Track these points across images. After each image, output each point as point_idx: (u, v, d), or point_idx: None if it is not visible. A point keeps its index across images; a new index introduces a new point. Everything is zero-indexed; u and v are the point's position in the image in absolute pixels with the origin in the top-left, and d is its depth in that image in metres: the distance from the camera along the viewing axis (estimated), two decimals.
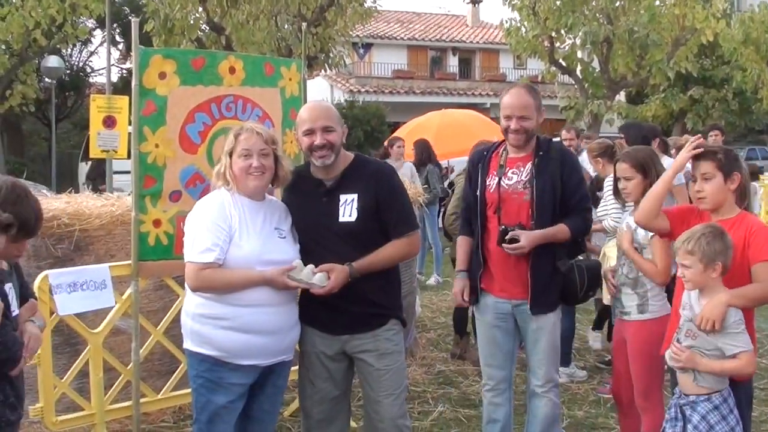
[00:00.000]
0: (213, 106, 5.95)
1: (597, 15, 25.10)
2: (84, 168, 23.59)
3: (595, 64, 26.38)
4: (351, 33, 26.72)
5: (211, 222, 4.66)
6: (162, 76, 5.73)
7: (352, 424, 6.25)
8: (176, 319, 5.66)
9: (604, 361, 8.75)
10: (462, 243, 5.85)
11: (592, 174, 8.77)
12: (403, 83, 44.88)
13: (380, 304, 4.99)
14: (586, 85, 26.26)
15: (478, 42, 49.80)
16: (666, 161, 7.04)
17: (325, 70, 29.71)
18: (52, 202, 6.99)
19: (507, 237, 5.29)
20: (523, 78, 41.51)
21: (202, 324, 4.70)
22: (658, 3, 24.88)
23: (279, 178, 4.92)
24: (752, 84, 29.27)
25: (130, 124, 5.92)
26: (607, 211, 7.40)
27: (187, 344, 4.81)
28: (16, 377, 4.02)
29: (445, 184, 14.85)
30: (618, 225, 6.80)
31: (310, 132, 4.91)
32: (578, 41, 25.37)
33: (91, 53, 43.65)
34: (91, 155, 13.84)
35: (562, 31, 25.34)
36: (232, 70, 6.05)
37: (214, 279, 4.63)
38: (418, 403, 7.50)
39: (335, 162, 4.94)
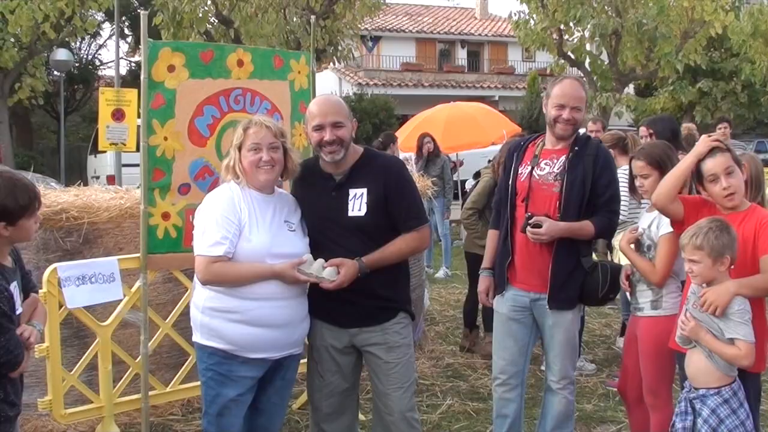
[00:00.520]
0: (222, 99, 5.95)
1: (606, 7, 25.03)
2: (93, 161, 23.63)
3: (604, 56, 26.34)
4: (360, 26, 26.75)
5: (221, 215, 4.64)
6: (171, 69, 5.73)
7: (361, 417, 6.25)
8: (185, 312, 5.67)
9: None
10: (491, 237, 5.84)
11: None
12: (411, 76, 44.85)
13: (389, 298, 4.98)
14: (595, 78, 26.22)
15: (486, 35, 49.72)
16: None
17: (334, 63, 29.76)
18: (60, 195, 7.00)
19: (530, 222, 5.27)
20: (531, 71, 41.44)
21: (212, 317, 4.70)
22: None
23: (288, 170, 4.92)
24: (761, 76, 29.12)
25: (139, 116, 5.91)
26: None
27: (197, 337, 4.81)
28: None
29: (454, 177, 14.84)
30: (626, 218, 6.80)
31: (319, 127, 4.89)
32: (587, 34, 25.32)
33: (100, 46, 43.70)
34: (100, 148, 13.87)
35: (571, 24, 25.28)
36: (240, 63, 6.04)
37: (224, 272, 4.62)
38: (427, 396, 7.49)
39: (345, 157, 4.93)
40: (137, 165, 5.95)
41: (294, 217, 4.94)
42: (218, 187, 4.92)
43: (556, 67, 27.01)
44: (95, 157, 22.98)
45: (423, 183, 9.32)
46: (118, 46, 23.11)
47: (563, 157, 5.46)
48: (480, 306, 8.41)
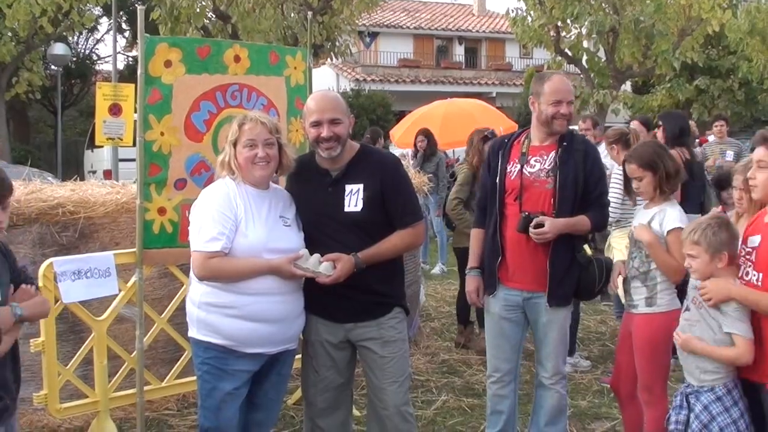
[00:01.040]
0: (218, 94, 5.96)
1: (603, 5, 24.98)
2: (90, 156, 23.62)
3: (601, 53, 26.30)
4: (357, 22, 26.69)
5: (217, 211, 4.67)
6: (167, 64, 5.74)
7: (355, 412, 6.27)
8: (180, 307, 5.68)
9: None
10: (476, 236, 5.84)
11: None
12: (409, 72, 44.84)
13: (384, 293, 5.01)
14: (592, 75, 26.19)
15: (484, 31, 49.68)
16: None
17: (331, 59, 29.72)
18: (57, 190, 7.01)
19: (532, 223, 5.27)
20: (529, 68, 41.43)
21: (209, 312, 4.73)
22: None
23: (283, 166, 4.95)
24: (758, 74, 29.13)
25: (136, 111, 5.91)
26: None
27: (193, 332, 4.84)
28: (3, 367, 4.01)
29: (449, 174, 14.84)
30: (615, 216, 6.80)
31: (317, 123, 4.90)
32: (584, 31, 25.26)
33: (98, 41, 43.58)
34: (97, 143, 13.86)
35: (568, 21, 25.22)
36: (237, 59, 6.05)
37: (221, 268, 4.65)
38: (422, 392, 7.51)
39: (341, 153, 4.95)
40: (134, 160, 5.95)
41: (289, 213, 4.96)
42: (213, 183, 4.95)
43: (554, 64, 26.95)
44: (92, 151, 23.00)
45: (419, 179, 9.34)
46: (115, 41, 23.17)
47: (552, 153, 5.48)
48: None
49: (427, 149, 14.19)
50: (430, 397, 7.42)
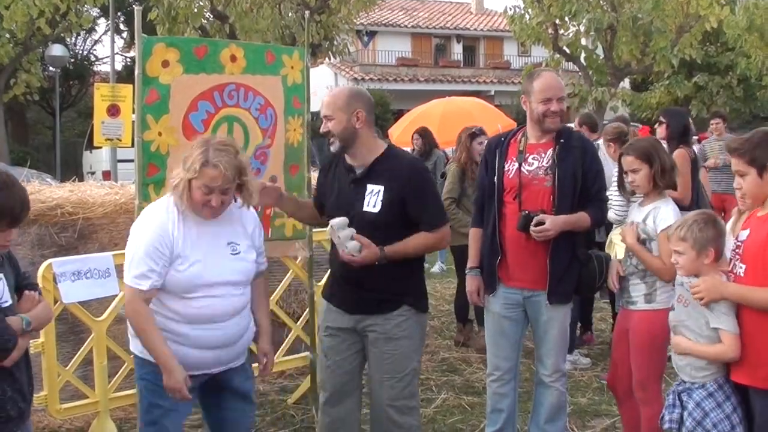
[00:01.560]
0: (216, 94, 5.96)
1: (601, 2, 24.98)
2: (88, 157, 23.61)
3: (599, 51, 26.31)
4: (355, 21, 26.75)
5: (151, 245, 4.47)
6: (165, 64, 5.74)
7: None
8: None
9: None
10: (474, 236, 5.81)
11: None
12: (407, 71, 44.85)
13: (393, 291, 5.01)
14: (591, 72, 26.22)
15: (482, 29, 49.68)
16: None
17: (330, 58, 29.73)
18: (55, 191, 7.03)
19: (533, 221, 5.26)
20: (527, 65, 41.40)
21: None
22: None
23: (244, 198, 4.69)
24: (756, 71, 29.20)
25: (134, 112, 5.92)
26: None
27: (133, 346, 4.72)
28: (19, 371, 4.00)
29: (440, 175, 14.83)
30: (619, 218, 6.79)
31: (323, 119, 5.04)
32: (582, 28, 25.29)
33: (95, 42, 43.57)
34: (96, 144, 13.88)
35: (566, 18, 25.25)
36: (233, 59, 6.05)
37: (138, 320, 4.48)
38: (422, 391, 7.49)
39: (354, 149, 5.02)
40: (133, 161, 5.96)
41: (242, 238, 4.76)
42: (155, 205, 4.72)
43: (552, 62, 26.96)
44: (90, 152, 22.96)
45: None
46: (113, 42, 23.17)
47: (550, 151, 5.46)
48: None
49: (424, 147, 14.18)
50: (430, 396, 7.42)
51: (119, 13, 36.38)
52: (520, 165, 5.50)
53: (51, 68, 30.44)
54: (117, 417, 6.54)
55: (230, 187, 4.53)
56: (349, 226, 4.81)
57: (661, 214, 5.30)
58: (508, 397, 5.71)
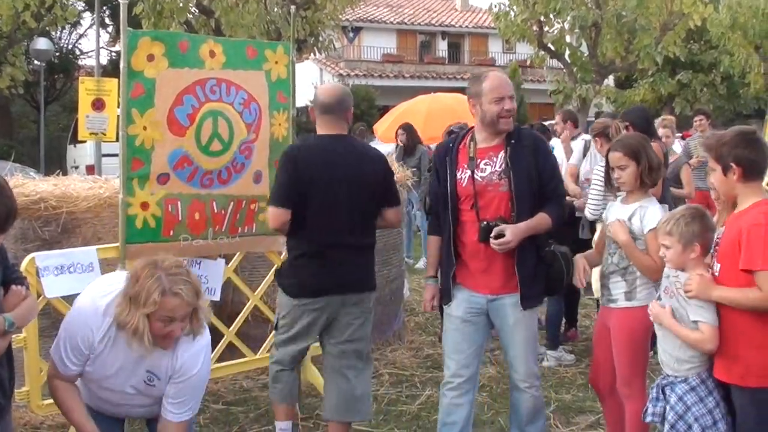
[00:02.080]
0: (198, 88, 5.97)
1: (585, 0, 25.09)
2: (73, 151, 23.53)
3: (584, 48, 26.37)
4: (340, 16, 26.68)
5: (77, 344, 4.41)
6: (150, 58, 5.73)
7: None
8: None
9: None
10: (432, 244, 5.69)
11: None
12: (392, 67, 44.86)
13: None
14: (575, 70, 26.23)
15: (467, 26, 49.72)
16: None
17: (315, 54, 29.70)
18: (39, 185, 6.99)
19: (492, 234, 5.12)
20: (512, 62, 41.51)
21: None
22: None
23: (194, 325, 4.46)
24: (740, 68, 29.25)
25: (119, 106, 5.91)
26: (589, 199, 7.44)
27: None
28: (0, 367, 3.99)
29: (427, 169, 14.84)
30: (594, 215, 6.79)
31: None
32: (567, 26, 25.34)
33: (81, 36, 43.38)
34: (80, 138, 13.81)
35: (551, 16, 25.27)
36: (212, 54, 6.07)
37: (59, 395, 4.53)
38: (406, 387, 7.51)
39: None
40: (117, 155, 5.94)
41: (162, 370, 4.51)
42: (99, 303, 4.48)
43: (537, 59, 27.04)
44: (75, 146, 22.90)
45: (402, 174, 9.31)
46: (98, 36, 23.04)
47: (502, 153, 5.31)
48: None
49: (409, 143, 14.17)
50: (414, 392, 7.42)
51: (105, 7, 36.27)
52: (472, 172, 5.33)
53: (36, 62, 30.30)
54: None
55: (189, 312, 4.33)
56: None
57: (649, 214, 5.27)
58: (464, 408, 5.52)
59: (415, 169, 12.37)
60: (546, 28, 26.01)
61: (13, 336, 5.56)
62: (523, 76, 41.57)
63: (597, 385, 5.73)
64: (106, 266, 6.12)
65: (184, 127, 5.92)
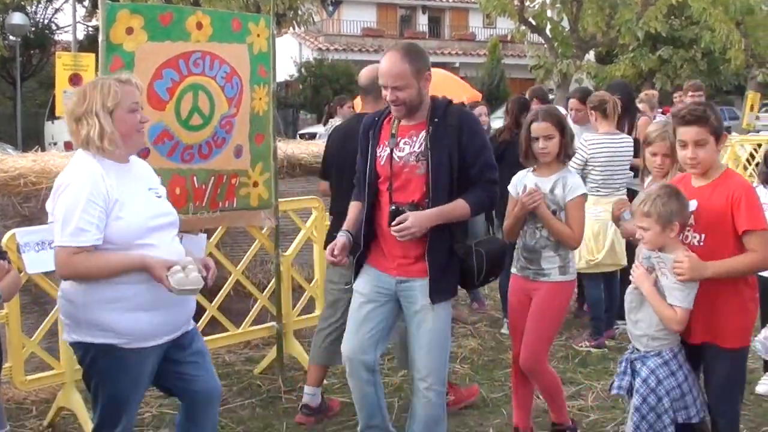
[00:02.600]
0: (181, 62, 5.90)
1: None
2: (50, 127, 23.38)
3: (565, 23, 26.39)
4: None
5: (85, 198, 3.99)
6: (129, 31, 5.65)
7: None
8: None
9: None
10: (353, 209, 5.23)
11: None
12: (372, 41, 44.78)
13: None
14: (556, 45, 26.26)
15: (447, 1, 49.61)
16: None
17: (294, 28, 29.60)
18: (18, 161, 6.94)
19: (395, 220, 4.71)
20: (492, 37, 41.50)
21: (97, 309, 4.10)
22: None
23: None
24: (720, 44, 29.38)
25: None
26: None
27: (76, 335, 4.20)
28: None
29: None
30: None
31: None
32: (548, 0, 25.34)
33: (57, 10, 42.98)
34: (58, 114, 13.74)
35: None
36: (199, 26, 5.99)
37: (87, 265, 4.02)
38: (388, 360, 7.50)
39: None
40: None
41: (156, 183, 4.44)
42: (73, 164, 4.19)
43: (517, 34, 27.03)
44: (53, 123, 22.75)
45: None
46: (75, 10, 22.89)
47: (423, 133, 4.86)
48: None
49: None
50: (396, 364, 7.42)
51: None
52: (391, 151, 4.91)
53: (11, 37, 30.09)
54: (83, 388, 6.48)
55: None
56: None
57: (569, 183, 5.39)
58: (370, 390, 5.11)
59: None
60: (527, 3, 25.99)
61: None
62: (504, 51, 41.63)
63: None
64: None
65: (164, 101, 5.86)
